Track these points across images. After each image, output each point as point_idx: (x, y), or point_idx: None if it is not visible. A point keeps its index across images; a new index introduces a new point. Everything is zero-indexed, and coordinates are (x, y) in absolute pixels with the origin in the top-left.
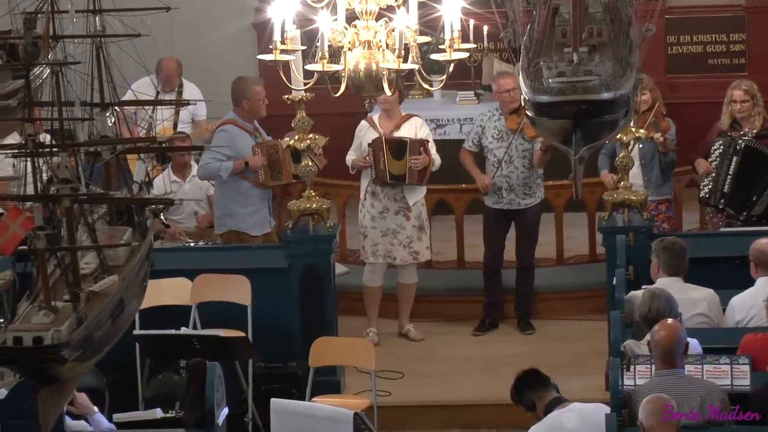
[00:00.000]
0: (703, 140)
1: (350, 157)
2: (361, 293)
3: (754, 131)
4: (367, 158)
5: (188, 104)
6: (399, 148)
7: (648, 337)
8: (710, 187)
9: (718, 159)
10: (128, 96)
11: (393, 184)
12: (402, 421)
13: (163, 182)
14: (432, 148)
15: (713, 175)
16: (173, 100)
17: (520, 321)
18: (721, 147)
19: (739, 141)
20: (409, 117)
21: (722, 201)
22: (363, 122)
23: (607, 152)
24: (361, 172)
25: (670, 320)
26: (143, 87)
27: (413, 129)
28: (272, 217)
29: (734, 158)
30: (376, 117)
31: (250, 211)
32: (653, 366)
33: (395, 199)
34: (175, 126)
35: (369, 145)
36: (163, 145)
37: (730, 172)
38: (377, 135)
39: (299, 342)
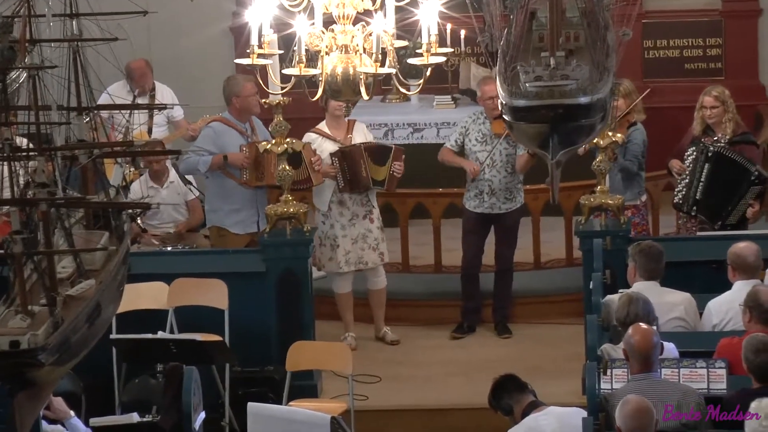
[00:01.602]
0: (676, 145)
1: None
2: None
3: (727, 137)
4: (334, 167)
5: (165, 108)
6: (381, 154)
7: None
8: (683, 193)
9: (691, 165)
10: (105, 100)
11: (362, 189)
12: (379, 425)
13: (141, 188)
14: None
15: (686, 181)
16: (149, 103)
17: (497, 325)
18: (694, 153)
19: (711, 147)
20: (353, 122)
21: (695, 208)
22: (311, 134)
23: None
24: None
25: (643, 324)
26: (116, 91)
27: (362, 134)
28: (263, 219)
29: (706, 165)
30: (323, 126)
31: (233, 208)
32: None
33: (362, 204)
34: (150, 131)
35: (332, 154)
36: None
37: (702, 179)
38: (334, 144)
39: (276, 346)
